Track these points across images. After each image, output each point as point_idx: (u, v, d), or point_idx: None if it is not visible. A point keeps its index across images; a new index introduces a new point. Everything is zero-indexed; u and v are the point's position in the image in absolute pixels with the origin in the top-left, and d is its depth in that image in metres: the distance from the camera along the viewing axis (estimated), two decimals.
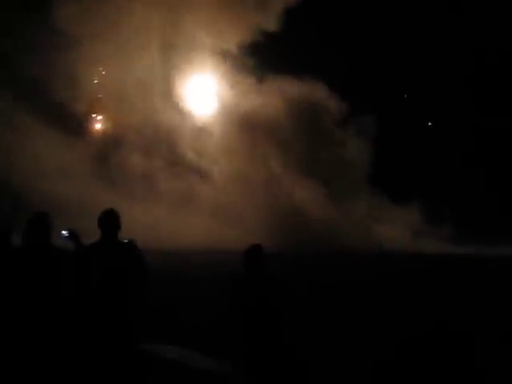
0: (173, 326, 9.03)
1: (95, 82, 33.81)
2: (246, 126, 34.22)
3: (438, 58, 37.90)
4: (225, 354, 6.97)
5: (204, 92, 35.56)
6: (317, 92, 35.05)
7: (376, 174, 35.06)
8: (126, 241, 6.23)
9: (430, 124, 40.74)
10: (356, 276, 20.68)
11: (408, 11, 37.43)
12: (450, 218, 32.63)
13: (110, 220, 6.19)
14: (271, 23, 33.79)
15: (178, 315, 11.10)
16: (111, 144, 34.19)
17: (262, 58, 34.24)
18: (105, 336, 6.03)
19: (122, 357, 6.06)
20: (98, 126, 36.54)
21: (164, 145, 34.24)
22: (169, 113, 34.06)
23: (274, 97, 34.54)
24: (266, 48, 34.26)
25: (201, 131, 35.09)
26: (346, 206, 33.21)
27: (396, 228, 33.14)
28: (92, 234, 6.72)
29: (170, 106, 34.34)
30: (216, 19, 33.24)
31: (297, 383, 6.35)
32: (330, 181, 33.83)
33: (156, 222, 28.75)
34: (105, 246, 6.16)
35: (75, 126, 33.16)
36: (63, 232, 6.47)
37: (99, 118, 36.41)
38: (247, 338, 6.21)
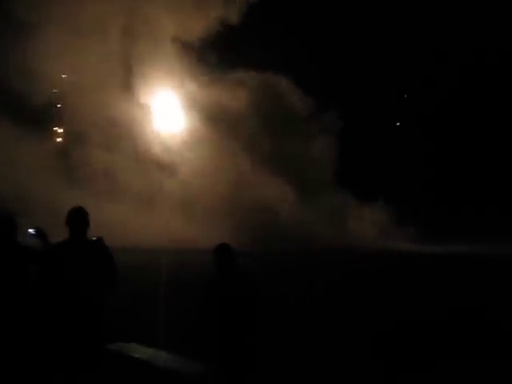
0: (140, 326, 8.92)
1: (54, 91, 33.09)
2: (210, 121, 33.91)
3: (406, 56, 38.19)
4: (195, 353, 6.93)
5: (166, 86, 34.84)
6: (282, 87, 35.02)
7: (342, 171, 35.23)
8: (94, 239, 6.12)
9: (398, 124, 41.08)
10: (324, 273, 20.78)
11: (371, 5, 37.64)
12: (416, 217, 32.99)
13: (78, 218, 6.09)
14: (234, 16, 33.62)
15: (146, 315, 11.00)
16: (72, 140, 33.57)
17: (226, 52, 33.93)
18: (74, 335, 5.92)
19: (92, 357, 5.97)
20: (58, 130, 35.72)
21: (126, 140, 33.76)
22: (129, 106, 33.50)
23: (238, 91, 34.29)
24: (229, 42, 34.02)
25: (163, 126, 34.69)
26: (313, 204, 33.28)
27: (363, 226, 33.36)
28: (57, 231, 6.61)
29: (130, 99, 33.73)
30: (179, 9, 32.66)
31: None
32: (296, 178, 33.80)
33: (121, 220, 28.40)
34: (73, 245, 6.05)
35: (34, 121, 32.23)
36: (30, 230, 6.35)
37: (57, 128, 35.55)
38: (219, 336, 6.17)
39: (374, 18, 37.60)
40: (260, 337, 6.26)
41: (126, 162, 33.07)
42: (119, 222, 26.76)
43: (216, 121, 33.90)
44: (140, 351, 7.56)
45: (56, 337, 5.96)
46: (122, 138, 33.57)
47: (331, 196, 34.24)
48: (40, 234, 6.28)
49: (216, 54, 33.93)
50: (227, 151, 34.03)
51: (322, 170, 34.99)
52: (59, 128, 35.92)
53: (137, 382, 6.49)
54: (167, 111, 35.37)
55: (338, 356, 9.31)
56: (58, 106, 35.16)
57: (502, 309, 13.60)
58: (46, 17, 30.65)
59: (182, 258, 22.56)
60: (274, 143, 35.07)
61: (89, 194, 27.90)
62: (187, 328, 10.37)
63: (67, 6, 31.24)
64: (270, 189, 33.00)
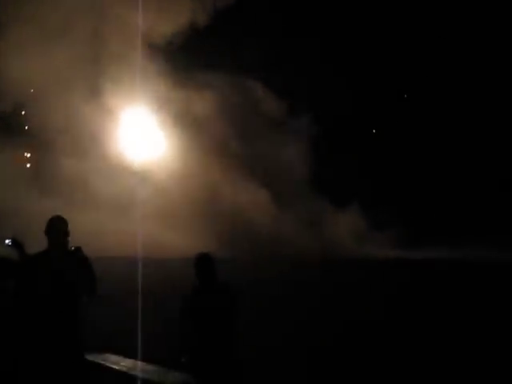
0: (119, 336, 8.84)
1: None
2: (182, 125, 33.44)
3: (383, 61, 38.32)
4: (173, 363, 6.87)
5: (136, 89, 33.22)
6: (253, 91, 34.82)
7: (316, 176, 35.19)
8: (73, 248, 6.05)
9: (374, 131, 41.29)
10: (302, 281, 20.80)
11: (344, 9, 37.73)
12: (394, 223, 33.10)
13: (57, 227, 6.01)
14: (204, 18, 33.24)
15: (124, 325, 10.88)
16: (40, 148, 32.83)
17: (197, 55, 33.41)
18: (53, 346, 5.84)
19: (71, 368, 5.89)
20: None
21: (96, 147, 33.21)
22: (98, 111, 32.89)
23: (210, 95, 33.86)
24: (200, 45, 33.65)
25: (133, 132, 34.14)
26: (288, 209, 33.20)
27: (339, 232, 33.36)
28: (31, 241, 6.53)
29: (98, 104, 33.07)
30: (148, 11, 31.76)
31: None
32: (269, 183, 33.62)
33: (96, 228, 28.05)
34: (52, 255, 5.97)
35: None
36: (6, 241, 6.27)
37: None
38: (200, 349, 6.12)
39: (345, 20, 37.69)
40: (241, 348, 6.22)
41: (98, 169, 32.59)
42: (92, 231, 26.41)
43: (187, 125, 33.42)
44: (119, 362, 7.49)
45: (35, 348, 5.88)
46: (91, 144, 33.06)
47: (307, 201, 34.12)
48: (16, 244, 6.21)
49: (187, 58, 33.43)
50: (199, 156, 33.60)
51: (296, 175, 34.84)
52: (24, 136, 34.82)
53: None
54: (137, 115, 34.54)
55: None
56: (23, 113, 34.53)
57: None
58: (9, 17, 29.87)
59: (158, 267, 22.42)
60: (247, 147, 34.74)
61: (61, 202, 27.53)
62: (164, 338, 10.34)
63: (32, 6, 30.42)
64: (244, 194, 32.82)
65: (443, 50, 37.96)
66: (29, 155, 34.76)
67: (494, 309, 14.79)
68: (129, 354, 8.50)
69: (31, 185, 30.90)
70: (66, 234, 6.03)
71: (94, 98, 33.05)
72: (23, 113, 34.42)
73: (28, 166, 33.65)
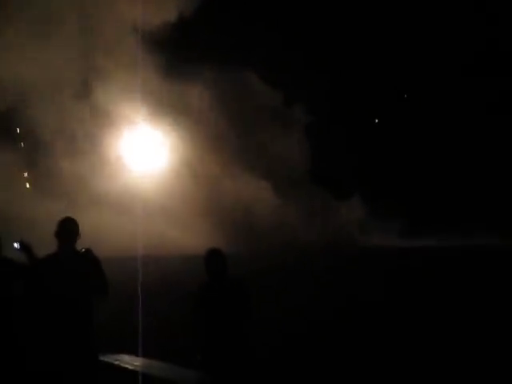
0: (130, 336, 8.80)
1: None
2: (176, 118, 33.02)
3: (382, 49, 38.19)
4: (186, 361, 6.84)
5: (128, 83, 32.39)
6: (249, 82, 34.52)
7: (315, 167, 35.09)
8: (83, 250, 6.00)
9: (376, 121, 41.18)
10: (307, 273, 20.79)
11: (344, 8, 37.61)
12: (396, 212, 33.10)
13: (68, 228, 5.96)
14: (194, 7, 32.81)
15: (134, 324, 10.85)
16: (35, 148, 32.45)
17: (188, 45, 33.05)
18: (67, 349, 5.80)
19: (85, 368, 5.86)
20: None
21: (91, 145, 32.95)
22: (89, 108, 32.50)
23: (203, 86, 33.50)
24: (191, 35, 33.32)
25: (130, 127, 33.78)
26: (290, 202, 33.09)
27: (342, 222, 33.32)
28: (37, 243, 6.47)
29: (89, 100, 32.65)
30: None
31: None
32: (269, 175, 33.45)
33: (98, 227, 27.91)
34: (63, 257, 5.92)
35: None
36: (15, 244, 6.21)
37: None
38: (212, 344, 6.07)
39: (341, 8, 37.53)
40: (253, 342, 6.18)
41: (95, 167, 32.40)
42: (97, 230, 26.31)
43: (181, 117, 33.00)
44: (133, 362, 7.44)
45: (49, 351, 5.84)
46: (87, 143, 32.83)
47: (307, 192, 33.98)
48: (24, 247, 6.15)
49: (178, 48, 33.02)
50: (196, 149, 33.32)
51: (296, 167, 34.68)
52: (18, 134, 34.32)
53: None
54: (131, 110, 33.80)
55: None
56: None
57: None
58: None
59: (160, 264, 22.39)
60: (245, 139, 34.48)
61: (62, 203, 27.44)
62: (169, 337, 10.29)
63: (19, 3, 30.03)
64: (244, 187, 32.64)
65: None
66: (26, 174, 34.04)
67: (495, 295, 14.86)
68: (141, 354, 8.46)
69: (32, 188, 30.78)
70: (77, 235, 5.99)
71: (85, 95, 32.57)
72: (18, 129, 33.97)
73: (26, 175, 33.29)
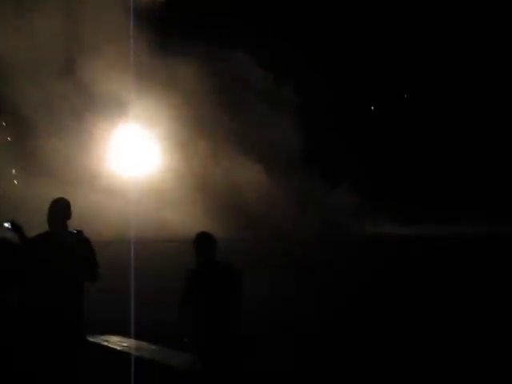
0: (121, 318, 8.83)
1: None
2: (167, 102, 32.50)
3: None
4: (178, 344, 6.87)
5: (118, 59, 31.58)
6: (241, 64, 34.11)
7: (308, 154, 34.97)
8: (74, 231, 6.02)
9: (372, 108, 41.12)
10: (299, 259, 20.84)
11: (344, 8, 37.39)
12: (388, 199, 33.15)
13: (60, 208, 5.97)
14: None
15: (115, 306, 10.88)
16: (20, 127, 31.81)
17: (179, 24, 32.49)
18: (56, 329, 5.83)
19: (75, 350, 5.89)
20: None
21: (80, 124, 32.35)
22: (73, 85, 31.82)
23: (195, 67, 32.98)
24: (181, 14, 32.80)
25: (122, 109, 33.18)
26: (281, 188, 32.89)
27: (334, 209, 33.26)
28: (28, 224, 6.48)
29: (76, 77, 31.95)
30: None
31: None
32: (261, 160, 33.17)
33: (92, 210, 27.79)
34: (55, 235, 5.94)
35: None
36: (5, 224, 6.21)
37: None
38: (205, 328, 6.09)
39: (349, 14, 37.43)
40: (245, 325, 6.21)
41: (86, 148, 31.98)
42: (91, 213, 26.20)
43: (172, 98, 32.39)
44: (121, 343, 7.48)
45: (38, 332, 5.86)
46: (76, 122, 32.25)
47: (299, 178, 33.68)
48: (15, 227, 6.15)
49: (169, 29, 32.35)
50: (187, 131, 32.87)
51: (287, 152, 34.33)
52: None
53: (124, 375, 6.43)
54: (121, 90, 32.57)
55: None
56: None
57: None
58: None
59: (153, 247, 22.41)
60: (237, 121, 33.98)
61: (51, 183, 27.06)
62: (160, 319, 10.32)
63: None
64: (240, 174, 32.43)
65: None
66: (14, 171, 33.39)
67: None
68: (134, 335, 8.49)
69: (17, 167, 30.38)
70: (69, 215, 6.00)
71: (69, 72, 31.69)
72: None
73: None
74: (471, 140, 37.20)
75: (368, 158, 36.77)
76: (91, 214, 26.82)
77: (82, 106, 32.87)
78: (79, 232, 6.00)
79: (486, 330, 10.19)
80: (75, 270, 5.88)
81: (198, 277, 6.15)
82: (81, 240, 5.96)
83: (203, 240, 6.23)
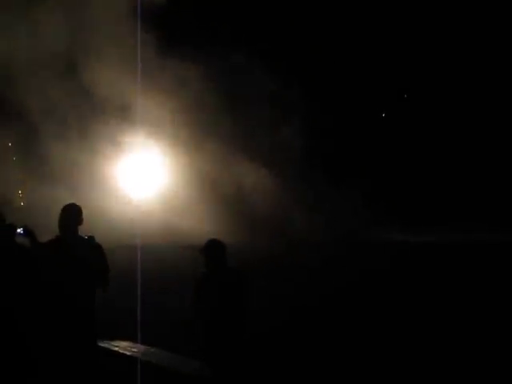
0: (130, 323, 8.86)
1: None
2: (171, 104, 32.23)
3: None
4: (186, 350, 6.90)
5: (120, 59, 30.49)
6: (246, 66, 33.87)
7: (314, 158, 34.85)
8: (86, 237, 6.06)
9: (383, 115, 41.08)
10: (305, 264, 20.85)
11: (345, 7, 37.38)
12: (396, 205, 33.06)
13: (71, 214, 6.01)
14: None
15: (135, 312, 10.93)
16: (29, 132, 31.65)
17: (183, 24, 32.46)
18: (67, 334, 5.87)
19: (86, 354, 5.93)
20: None
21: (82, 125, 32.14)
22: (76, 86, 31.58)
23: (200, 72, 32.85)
24: (184, 15, 32.67)
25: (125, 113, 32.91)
26: (291, 194, 32.75)
27: (340, 214, 33.10)
28: (40, 229, 6.52)
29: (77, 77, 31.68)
30: None
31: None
32: (269, 164, 33.02)
33: (97, 215, 27.73)
34: (67, 241, 5.97)
35: None
36: (18, 230, 6.28)
37: None
38: (212, 335, 6.12)
39: (349, 14, 37.38)
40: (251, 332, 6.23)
41: (90, 152, 31.84)
42: (97, 218, 26.08)
43: (177, 101, 32.24)
44: (131, 348, 7.52)
45: (50, 336, 5.90)
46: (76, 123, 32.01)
47: (305, 181, 33.43)
48: (28, 232, 6.21)
49: (174, 29, 32.31)
50: (191, 132, 32.67)
51: (292, 156, 34.11)
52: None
53: (133, 380, 6.46)
54: (124, 93, 32.67)
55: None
56: None
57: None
58: None
59: (159, 253, 22.44)
60: (239, 124, 33.80)
61: (58, 188, 27.04)
62: (167, 325, 10.35)
63: None
64: (248, 179, 32.29)
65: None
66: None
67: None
68: (143, 341, 8.53)
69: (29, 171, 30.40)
70: (80, 220, 6.04)
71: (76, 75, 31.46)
72: None
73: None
74: (477, 144, 37.14)
75: (377, 163, 36.78)
76: (97, 220, 26.85)
77: (89, 110, 32.79)
78: (91, 238, 6.04)
79: (492, 337, 10.19)
80: (87, 276, 5.92)
81: (208, 284, 6.17)
82: (92, 246, 6.00)
83: (213, 247, 6.26)
